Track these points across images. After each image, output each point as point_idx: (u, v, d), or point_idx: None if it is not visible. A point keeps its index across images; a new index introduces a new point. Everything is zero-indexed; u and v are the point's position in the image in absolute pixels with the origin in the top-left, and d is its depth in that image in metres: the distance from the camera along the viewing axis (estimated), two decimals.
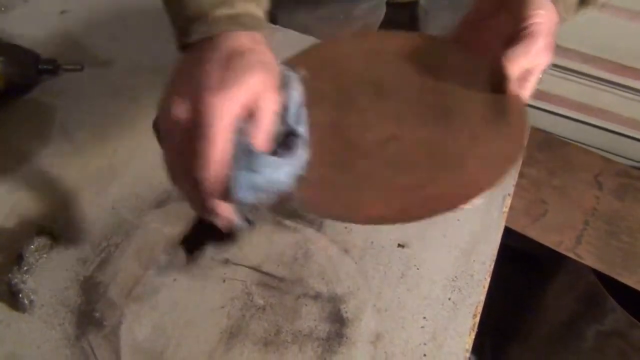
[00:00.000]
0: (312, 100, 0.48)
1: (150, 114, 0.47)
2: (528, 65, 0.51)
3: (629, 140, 1.38)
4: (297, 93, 0.47)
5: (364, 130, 0.51)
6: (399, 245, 0.67)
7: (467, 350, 0.60)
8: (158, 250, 0.64)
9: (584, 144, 1.40)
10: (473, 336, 0.61)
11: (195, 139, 0.40)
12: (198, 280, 0.62)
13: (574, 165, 1.31)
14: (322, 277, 0.64)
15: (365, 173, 0.48)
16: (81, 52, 0.85)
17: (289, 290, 0.62)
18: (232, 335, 0.58)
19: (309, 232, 0.67)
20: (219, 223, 0.45)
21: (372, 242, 0.67)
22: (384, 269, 0.65)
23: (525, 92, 0.52)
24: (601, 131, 1.38)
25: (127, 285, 0.61)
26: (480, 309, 0.63)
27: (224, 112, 0.41)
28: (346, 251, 0.66)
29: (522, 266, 1.54)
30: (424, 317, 0.61)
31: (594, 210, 1.20)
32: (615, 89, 1.29)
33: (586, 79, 1.31)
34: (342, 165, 0.49)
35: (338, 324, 0.60)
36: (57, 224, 0.66)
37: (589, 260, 1.10)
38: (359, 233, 0.68)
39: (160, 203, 0.69)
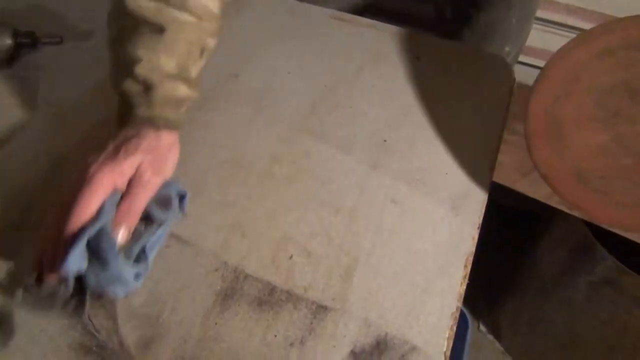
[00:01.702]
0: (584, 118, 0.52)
1: None
2: None
3: None
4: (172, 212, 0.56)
5: None
6: (391, 201, 0.68)
7: (458, 300, 0.61)
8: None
9: None
10: (464, 287, 0.62)
11: (78, 188, 0.50)
12: (191, 245, 0.63)
13: None
14: (314, 236, 0.64)
15: None
16: (59, 24, 0.84)
17: None
18: (227, 296, 0.59)
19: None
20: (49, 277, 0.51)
21: (363, 201, 0.67)
22: (375, 226, 0.65)
23: None
24: None
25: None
26: (470, 260, 0.64)
27: (106, 176, 0.51)
28: (337, 210, 0.66)
29: (515, 223, 1.56)
30: (416, 271, 0.62)
31: None
32: None
33: (572, 32, 1.30)
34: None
35: (331, 281, 0.61)
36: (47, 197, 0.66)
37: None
38: (349, 193, 0.68)
39: None
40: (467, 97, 0.81)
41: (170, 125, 0.58)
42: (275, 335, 0.57)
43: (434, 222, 0.66)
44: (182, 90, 0.58)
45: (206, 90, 0.78)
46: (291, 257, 0.62)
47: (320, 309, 0.59)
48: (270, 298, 0.59)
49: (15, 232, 0.62)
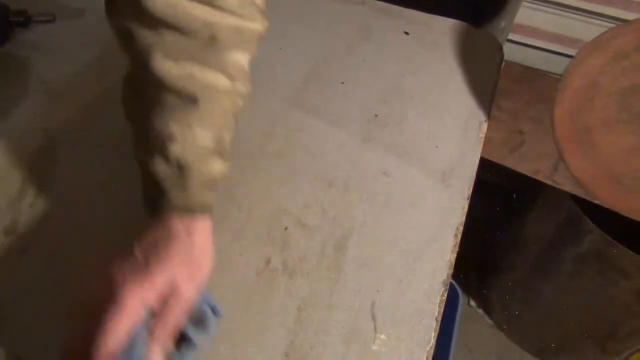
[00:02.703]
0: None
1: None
2: None
3: None
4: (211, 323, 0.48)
5: None
6: (383, 173, 0.69)
7: (449, 268, 0.62)
8: None
9: (558, 74, 1.42)
10: (455, 255, 0.64)
11: (105, 312, 0.42)
12: None
13: (549, 95, 1.32)
14: (308, 208, 0.66)
15: None
16: (51, 2, 0.84)
17: None
18: (225, 268, 0.60)
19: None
20: None
21: (355, 173, 0.69)
22: (367, 198, 0.67)
23: None
24: None
25: None
26: (460, 230, 0.66)
27: (137, 295, 0.42)
28: (330, 183, 0.68)
29: (503, 200, 1.59)
30: (408, 240, 0.64)
31: None
32: (587, 17, 1.31)
33: (558, 9, 1.32)
34: None
35: (326, 252, 0.62)
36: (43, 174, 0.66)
37: (567, 186, 1.13)
38: (341, 166, 0.70)
39: None
40: (456, 72, 0.83)
41: (206, 210, 0.50)
42: (271, 306, 0.58)
43: (424, 193, 0.68)
44: (217, 166, 0.51)
45: None
46: (286, 228, 0.64)
47: (315, 280, 0.60)
48: (266, 269, 0.61)
49: (12, 207, 0.63)
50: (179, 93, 0.48)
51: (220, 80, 0.49)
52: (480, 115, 0.77)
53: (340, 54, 0.83)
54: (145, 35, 0.47)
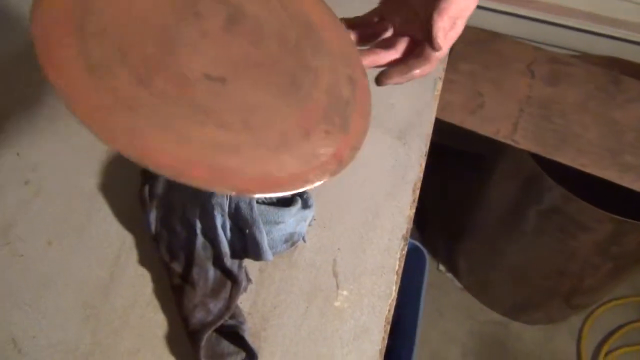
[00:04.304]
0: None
1: None
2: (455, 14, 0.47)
3: (558, 28, 1.41)
4: None
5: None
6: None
7: (408, 223, 0.63)
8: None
9: (515, 36, 1.43)
10: (414, 210, 0.64)
11: None
12: None
13: (506, 57, 1.34)
14: None
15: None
16: None
17: None
18: None
19: None
20: None
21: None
22: None
23: (450, 41, 0.49)
24: (530, 21, 1.41)
25: None
26: (418, 186, 0.66)
27: None
28: None
29: (467, 165, 1.60)
30: (367, 198, 0.64)
31: (527, 98, 1.24)
32: None
33: None
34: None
35: None
36: None
37: (526, 145, 1.15)
38: None
39: None
40: None
41: None
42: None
43: (381, 150, 0.68)
44: None
45: None
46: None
47: None
48: None
49: None
50: None
51: None
52: (435, 73, 0.77)
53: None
54: None
